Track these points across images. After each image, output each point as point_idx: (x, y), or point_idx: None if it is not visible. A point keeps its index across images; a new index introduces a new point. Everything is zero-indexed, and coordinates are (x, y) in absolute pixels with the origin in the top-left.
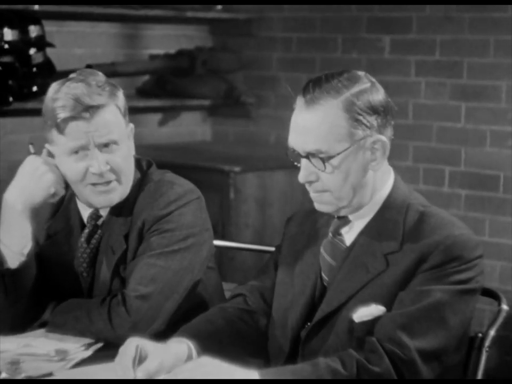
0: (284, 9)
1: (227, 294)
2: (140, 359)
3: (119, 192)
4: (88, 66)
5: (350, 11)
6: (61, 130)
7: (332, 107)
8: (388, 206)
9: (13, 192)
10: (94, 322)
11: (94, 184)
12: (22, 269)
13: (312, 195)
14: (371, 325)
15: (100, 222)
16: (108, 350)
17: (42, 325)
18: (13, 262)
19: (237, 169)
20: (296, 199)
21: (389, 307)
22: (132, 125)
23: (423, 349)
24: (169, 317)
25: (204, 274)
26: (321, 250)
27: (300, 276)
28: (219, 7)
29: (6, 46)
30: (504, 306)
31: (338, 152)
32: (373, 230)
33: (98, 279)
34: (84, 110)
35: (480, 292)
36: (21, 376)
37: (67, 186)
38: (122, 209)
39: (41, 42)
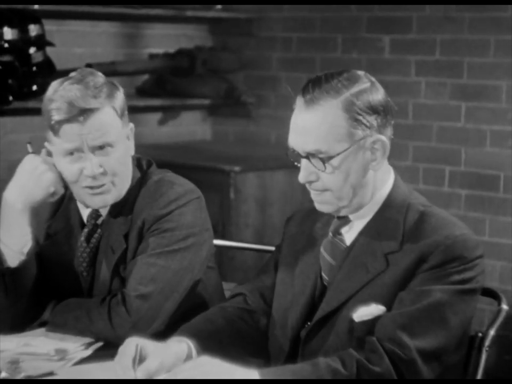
0: (283, 9)
1: (227, 294)
2: (139, 358)
3: (113, 193)
4: (88, 65)
5: (350, 11)
6: (55, 132)
7: (332, 107)
8: (388, 205)
9: (13, 191)
10: (94, 322)
11: (88, 186)
12: (22, 268)
13: (313, 195)
14: (371, 324)
15: (99, 221)
16: (108, 350)
17: (42, 324)
18: (13, 261)
19: (237, 169)
20: (296, 199)
21: (389, 307)
22: (131, 125)
23: (423, 348)
24: (169, 316)
25: (204, 274)
26: (321, 250)
27: (300, 276)
28: (219, 6)
29: (6, 45)
30: (504, 306)
31: (338, 152)
32: (373, 229)
33: (98, 279)
34: (78, 113)
35: (480, 291)
36: (21, 375)
37: (66, 185)
38: (122, 208)
39: (41, 42)
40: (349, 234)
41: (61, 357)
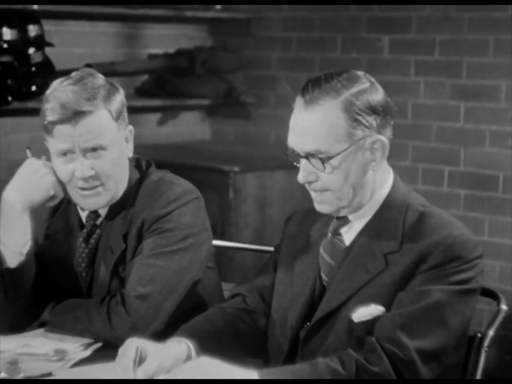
0: (283, 9)
1: (226, 294)
2: (139, 359)
3: (106, 196)
4: (88, 65)
5: (350, 11)
6: (48, 132)
7: (331, 107)
8: (388, 205)
9: (13, 191)
10: (93, 323)
11: (80, 188)
12: (21, 269)
13: (313, 195)
14: (370, 324)
15: (98, 221)
16: (107, 350)
17: (42, 325)
18: (12, 261)
19: (236, 169)
20: (295, 199)
21: (388, 307)
22: (130, 127)
23: (423, 349)
24: (168, 317)
25: (203, 274)
26: (321, 250)
27: (299, 276)
28: (218, 6)
29: (5, 45)
30: (503, 306)
31: (337, 152)
32: (373, 230)
33: (97, 279)
34: (70, 115)
35: (479, 292)
36: (20, 376)
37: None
38: (121, 208)
39: (40, 42)
40: (348, 234)
41: (60, 358)
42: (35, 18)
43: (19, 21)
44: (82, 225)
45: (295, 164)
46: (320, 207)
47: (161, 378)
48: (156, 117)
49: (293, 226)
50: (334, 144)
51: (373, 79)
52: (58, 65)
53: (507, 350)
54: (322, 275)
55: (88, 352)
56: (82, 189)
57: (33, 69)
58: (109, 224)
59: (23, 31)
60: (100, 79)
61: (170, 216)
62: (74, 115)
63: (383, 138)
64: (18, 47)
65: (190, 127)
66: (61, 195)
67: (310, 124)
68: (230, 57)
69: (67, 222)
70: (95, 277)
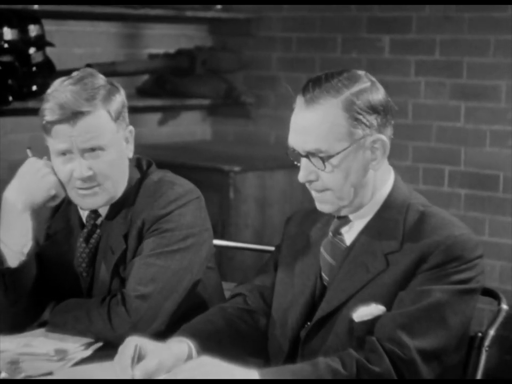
0: (283, 9)
1: (227, 294)
2: (138, 358)
3: (104, 196)
4: (88, 65)
5: (350, 11)
6: (47, 132)
7: (332, 106)
8: (388, 205)
9: (13, 191)
10: (93, 322)
11: (78, 187)
12: (22, 268)
13: (314, 195)
14: (371, 324)
15: (98, 221)
16: (108, 350)
17: (42, 325)
18: (13, 261)
19: (236, 169)
20: (296, 199)
21: (389, 307)
22: (131, 128)
23: (423, 348)
24: (169, 316)
25: (203, 274)
26: (321, 250)
27: (300, 276)
28: (219, 6)
29: (6, 45)
30: (504, 306)
31: (338, 151)
32: (373, 229)
33: (98, 279)
34: (68, 115)
35: (480, 291)
36: (21, 375)
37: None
38: (121, 208)
39: (41, 42)
40: (349, 234)
41: (60, 357)
42: (36, 18)
43: (20, 21)
44: (82, 225)
45: (295, 163)
46: (321, 207)
47: (161, 378)
48: (156, 116)
49: (293, 227)
50: (334, 143)
51: (373, 79)
52: (59, 65)
53: (508, 350)
54: (323, 275)
55: (88, 352)
56: (80, 188)
57: (34, 69)
58: (109, 224)
59: (23, 31)
60: (101, 79)
61: (170, 216)
62: (72, 115)
63: (383, 137)
64: (18, 47)
65: (190, 127)
66: (62, 195)
67: (311, 123)
68: (230, 57)
69: (67, 222)
70: (95, 277)
